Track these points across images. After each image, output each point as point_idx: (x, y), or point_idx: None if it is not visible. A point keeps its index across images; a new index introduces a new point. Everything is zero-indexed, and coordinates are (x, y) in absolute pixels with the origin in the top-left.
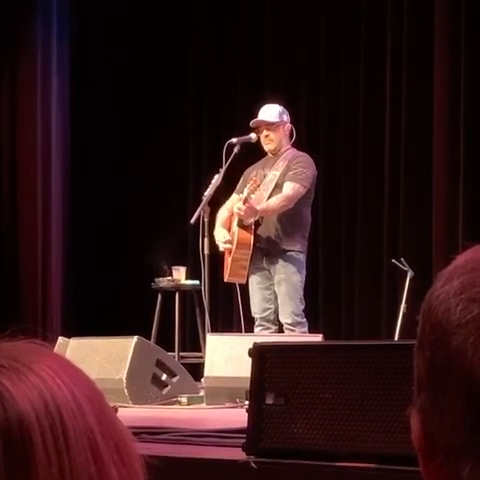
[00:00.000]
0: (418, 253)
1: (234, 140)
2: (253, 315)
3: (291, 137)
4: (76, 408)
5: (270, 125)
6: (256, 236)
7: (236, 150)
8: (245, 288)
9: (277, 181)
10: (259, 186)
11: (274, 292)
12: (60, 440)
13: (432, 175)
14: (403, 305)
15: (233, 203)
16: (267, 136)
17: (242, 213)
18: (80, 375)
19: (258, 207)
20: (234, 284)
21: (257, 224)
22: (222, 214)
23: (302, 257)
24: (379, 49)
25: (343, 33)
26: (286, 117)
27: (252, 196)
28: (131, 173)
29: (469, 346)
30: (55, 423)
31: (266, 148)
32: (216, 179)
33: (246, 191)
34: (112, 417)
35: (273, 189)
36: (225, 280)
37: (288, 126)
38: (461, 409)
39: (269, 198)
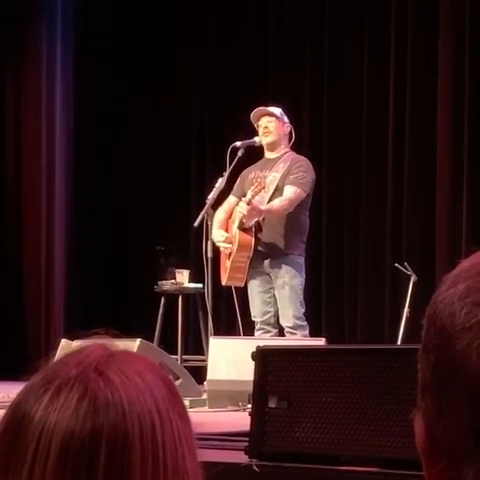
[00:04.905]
0: (421, 257)
1: (238, 143)
2: (253, 319)
3: (290, 139)
4: (178, 444)
5: (270, 115)
6: (257, 239)
7: (240, 154)
8: (243, 292)
9: (277, 183)
10: (264, 188)
11: (274, 295)
12: (159, 467)
13: (435, 179)
14: (406, 309)
15: (230, 204)
16: (266, 127)
17: (246, 213)
18: (179, 397)
19: (262, 207)
20: (236, 287)
21: (257, 228)
22: (218, 216)
23: (301, 261)
24: (383, 50)
25: (347, 34)
26: (286, 118)
27: (256, 198)
28: (135, 176)
29: (473, 350)
30: (158, 454)
31: (264, 141)
32: (220, 182)
33: (250, 193)
34: (194, 443)
35: (273, 191)
36: (223, 284)
37: (288, 126)
38: (465, 413)
39: (270, 199)
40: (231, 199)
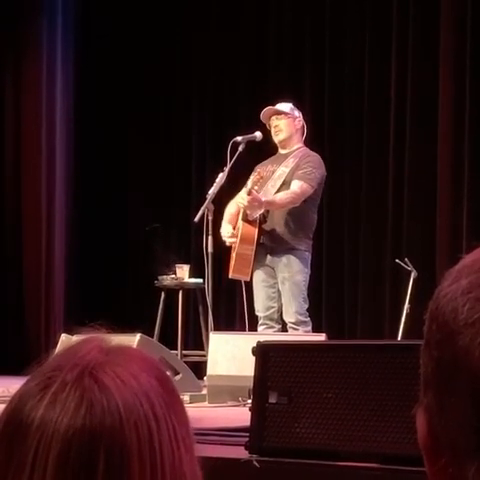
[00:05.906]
0: (422, 253)
1: (239, 138)
2: (256, 313)
3: (302, 134)
4: (175, 447)
5: (279, 114)
6: (260, 232)
7: (241, 148)
8: (250, 286)
9: (285, 177)
10: (262, 177)
11: (278, 290)
12: (158, 472)
13: (437, 175)
14: (406, 305)
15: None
16: (276, 126)
17: (246, 203)
18: (176, 394)
19: (263, 199)
20: (239, 282)
21: (262, 220)
22: (229, 209)
23: (307, 256)
24: (384, 47)
25: (347, 34)
26: (297, 113)
27: (255, 188)
28: (135, 171)
29: (476, 346)
30: (156, 460)
31: (276, 139)
32: (220, 177)
33: (249, 183)
34: (192, 443)
35: (281, 185)
36: (229, 276)
37: (299, 121)
38: (467, 409)
39: (276, 193)
40: (243, 193)
